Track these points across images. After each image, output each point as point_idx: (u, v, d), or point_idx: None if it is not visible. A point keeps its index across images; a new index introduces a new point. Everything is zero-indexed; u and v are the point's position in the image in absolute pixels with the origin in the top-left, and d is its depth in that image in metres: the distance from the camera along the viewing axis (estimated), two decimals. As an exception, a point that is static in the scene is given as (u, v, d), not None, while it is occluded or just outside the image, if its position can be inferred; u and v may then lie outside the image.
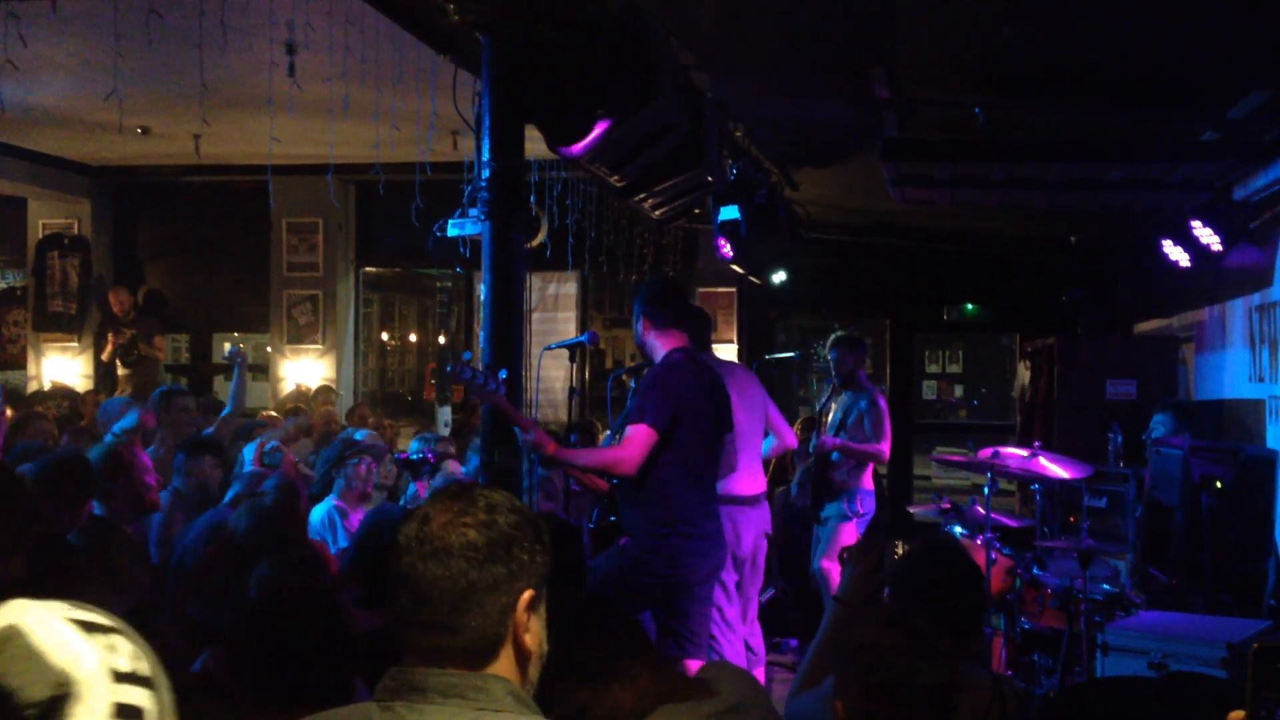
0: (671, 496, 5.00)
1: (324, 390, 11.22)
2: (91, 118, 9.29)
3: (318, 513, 6.01)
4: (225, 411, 7.85)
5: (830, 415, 8.35)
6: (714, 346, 11.66)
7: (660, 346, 5.22)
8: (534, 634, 1.90)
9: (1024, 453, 6.48)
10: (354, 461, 6.17)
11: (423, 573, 1.83)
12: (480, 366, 4.75)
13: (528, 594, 1.88)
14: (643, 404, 4.95)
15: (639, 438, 4.88)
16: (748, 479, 6.60)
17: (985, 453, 6.55)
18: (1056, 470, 6.41)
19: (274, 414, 9.39)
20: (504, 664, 1.87)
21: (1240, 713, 1.44)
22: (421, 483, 6.92)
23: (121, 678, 1.33)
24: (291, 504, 4.99)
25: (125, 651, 1.36)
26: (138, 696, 1.34)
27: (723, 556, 5.40)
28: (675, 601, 5.04)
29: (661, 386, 5.00)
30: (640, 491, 4.98)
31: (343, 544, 5.62)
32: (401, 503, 6.52)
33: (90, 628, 1.35)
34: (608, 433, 6.89)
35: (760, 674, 6.40)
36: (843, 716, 2.69)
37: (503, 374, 4.70)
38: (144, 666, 1.37)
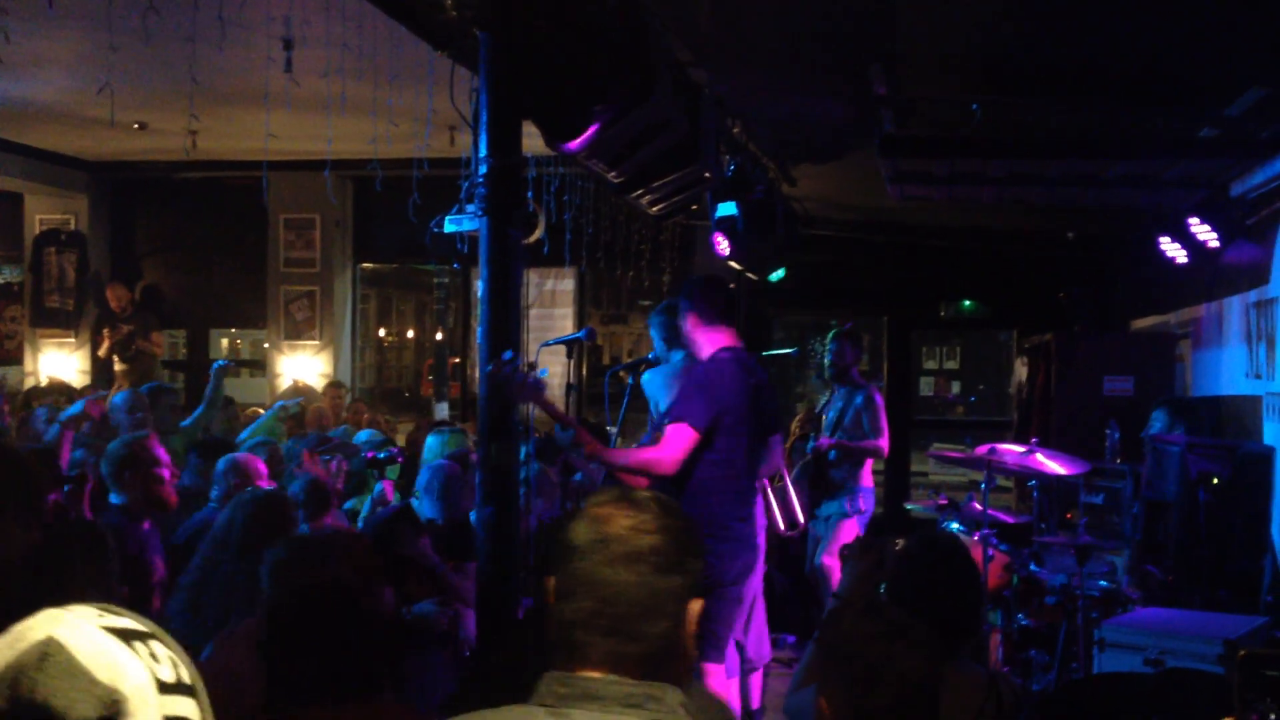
0: (707, 497, 4.95)
1: (334, 386, 11.21)
2: (88, 113, 9.28)
3: None
4: (196, 413, 7.86)
5: (826, 415, 8.35)
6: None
7: (706, 344, 5.18)
8: (692, 640, 1.88)
9: (1021, 449, 6.48)
10: (324, 459, 6.18)
11: (609, 577, 1.79)
12: (522, 365, 4.74)
13: (697, 604, 1.87)
14: (684, 403, 4.91)
15: (679, 438, 4.84)
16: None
17: (982, 449, 6.55)
18: (1053, 466, 6.41)
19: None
20: (672, 673, 1.84)
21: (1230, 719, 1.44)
22: (388, 481, 6.91)
23: (167, 688, 1.28)
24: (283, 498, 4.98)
25: (165, 659, 1.30)
26: (185, 707, 1.29)
27: (752, 559, 5.36)
28: (711, 605, 4.99)
29: (705, 386, 4.95)
30: (676, 491, 4.92)
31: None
32: (369, 501, 6.50)
33: (128, 636, 1.29)
34: (612, 429, 6.89)
35: (756, 680, 6.38)
36: (826, 712, 2.69)
37: (543, 372, 4.71)
38: (184, 673, 1.32)
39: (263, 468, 5.62)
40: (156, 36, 6.13)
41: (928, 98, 6.56)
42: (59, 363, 12.33)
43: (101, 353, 12.17)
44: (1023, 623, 6.46)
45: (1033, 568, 6.58)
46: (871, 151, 6.99)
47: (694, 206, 7.72)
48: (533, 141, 5.04)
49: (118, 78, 6.68)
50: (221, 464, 5.49)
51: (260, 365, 12.87)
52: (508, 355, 4.61)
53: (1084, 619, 5.93)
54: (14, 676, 1.21)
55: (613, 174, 5.87)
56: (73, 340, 12.47)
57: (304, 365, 12.19)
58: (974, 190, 7.73)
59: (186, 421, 7.79)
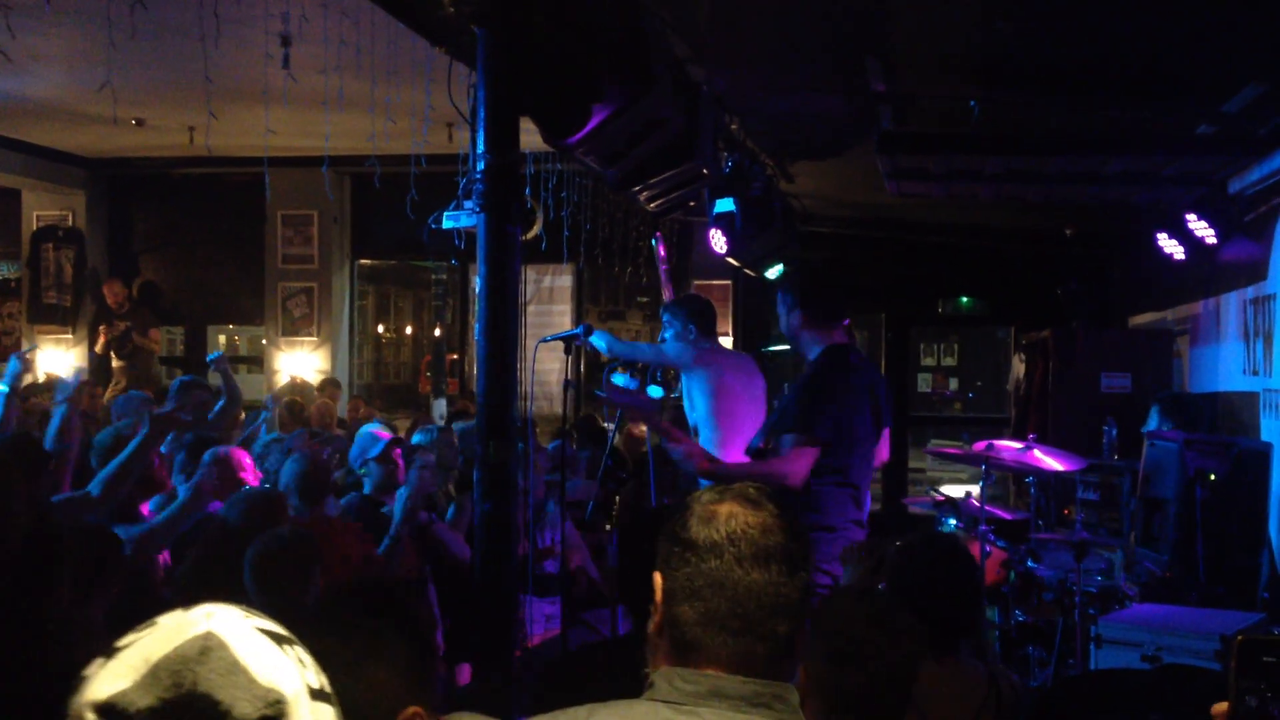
0: (825, 502, 4.84)
1: (330, 383, 11.21)
2: (86, 109, 9.27)
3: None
4: (220, 404, 7.83)
5: None
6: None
7: (817, 343, 5.01)
8: (806, 635, 1.88)
9: (1019, 445, 6.49)
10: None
11: (740, 578, 1.77)
12: (629, 385, 4.71)
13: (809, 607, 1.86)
14: (808, 414, 4.75)
15: (805, 452, 4.70)
16: None
17: (980, 445, 6.56)
18: (1051, 463, 6.42)
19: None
20: (790, 672, 1.83)
21: (1223, 705, 1.44)
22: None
23: (316, 695, 1.27)
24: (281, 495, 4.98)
25: (310, 665, 1.29)
26: (328, 715, 1.28)
27: None
28: None
29: (827, 392, 4.80)
30: (792, 496, 4.77)
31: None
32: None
33: (279, 639, 1.27)
34: (609, 424, 6.89)
35: None
36: (803, 682, 2.71)
37: (657, 391, 4.66)
38: (325, 680, 1.30)
39: (248, 461, 5.62)
40: (154, 33, 6.14)
41: (925, 94, 6.57)
42: (56, 359, 12.32)
43: (98, 349, 12.16)
44: (1020, 619, 6.46)
45: (1030, 564, 6.59)
46: (869, 148, 7.00)
47: (692, 203, 7.72)
48: (531, 138, 5.04)
49: (115, 74, 6.67)
50: (206, 456, 5.47)
51: (258, 362, 12.87)
52: (616, 379, 4.59)
53: (1081, 615, 5.93)
54: (176, 668, 1.19)
55: (611, 170, 5.87)
56: (70, 336, 12.46)
57: (302, 362, 12.19)
58: (972, 187, 7.73)
59: (221, 403, 7.75)
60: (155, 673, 1.19)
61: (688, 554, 1.81)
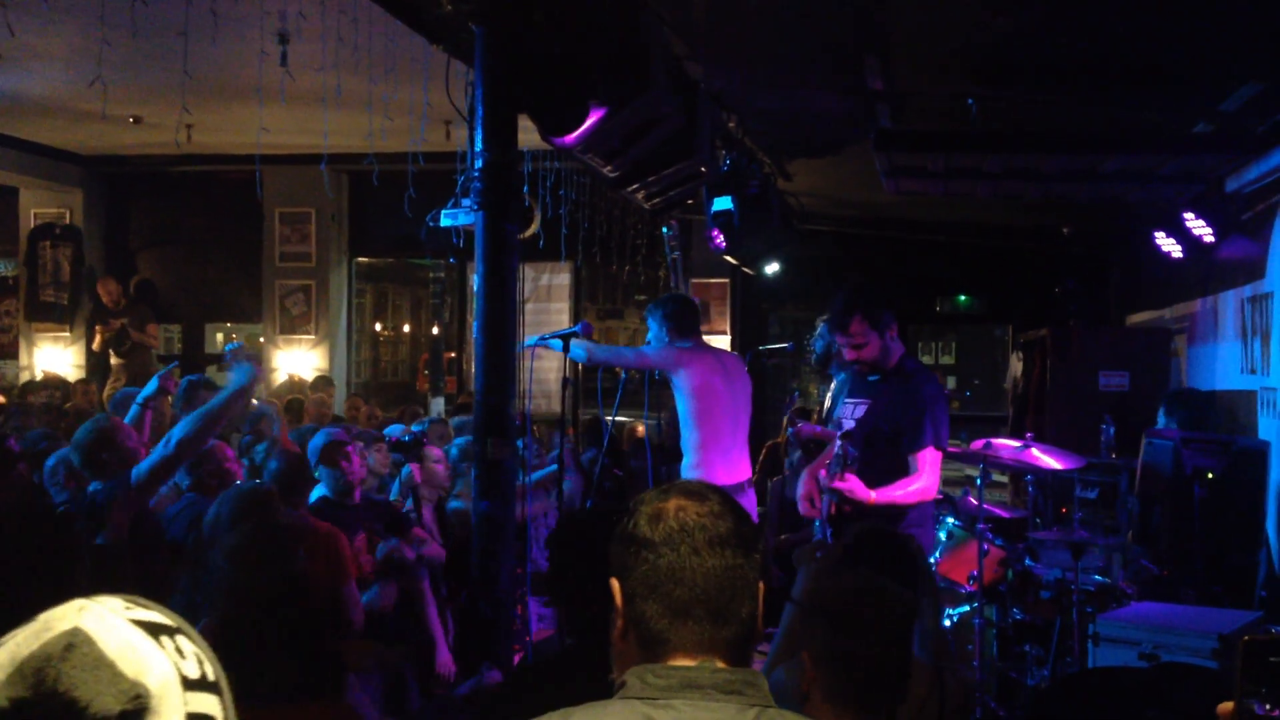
0: (920, 510, 4.98)
1: (322, 381, 11.20)
2: (83, 107, 9.26)
3: None
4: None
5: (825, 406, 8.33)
6: (709, 338, 11.76)
7: (897, 350, 5.10)
8: (761, 621, 1.90)
9: (1016, 444, 6.48)
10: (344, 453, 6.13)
11: (697, 565, 1.80)
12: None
13: (762, 587, 1.88)
14: (936, 426, 4.89)
15: (937, 464, 4.90)
16: (738, 466, 6.61)
17: (978, 444, 6.54)
18: (1049, 461, 6.41)
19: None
20: (750, 657, 1.86)
21: (1229, 705, 1.44)
22: (416, 464, 6.87)
23: (191, 685, 1.25)
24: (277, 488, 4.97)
25: (191, 655, 1.28)
26: (209, 704, 1.27)
27: None
28: None
29: (941, 405, 4.96)
30: (905, 507, 4.93)
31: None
32: (396, 484, 6.46)
33: (155, 629, 1.26)
34: (607, 420, 6.89)
35: None
36: (810, 668, 2.73)
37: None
38: (209, 670, 1.29)
39: (229, 451, 5.61)
40: (151, 30, 6.12)
41: (923, 93, 6.57)
42: (54, 357, 12.31)
43: (95, 347, 12.15)
44: (1018, 617, 6.46)
45: (1028, 563, 6.58)
46: (867, 147, 6.99)
47: (690, 201, 7.72)
48: (529, 136, 5.04)
49: (112, 72, 6.67)
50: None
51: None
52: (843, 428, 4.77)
53: (1079, 614, 5.93)
54: (39, 666, 1.19)
55: (608, 168, 5.88)
56: (68, 334, 12.45)
57: (299, 360, 12.19)
58: (969, 185, 7.73)
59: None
60: (20, 671, 1.19)
61: (644, 552, 1.83)
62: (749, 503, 6.71)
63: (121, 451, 4.84)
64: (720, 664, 1.79)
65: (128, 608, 1.27)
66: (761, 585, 1.88)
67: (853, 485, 4.85)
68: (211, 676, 1.29)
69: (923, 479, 4.92)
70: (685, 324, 6.64)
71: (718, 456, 6.50)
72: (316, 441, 5.77)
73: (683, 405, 6.58)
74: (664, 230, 7.05)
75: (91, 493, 4.75)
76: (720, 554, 1.81)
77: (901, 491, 4.97)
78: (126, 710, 1.19)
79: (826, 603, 2.82)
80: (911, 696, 3.08)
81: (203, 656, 1.29)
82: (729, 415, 6.54)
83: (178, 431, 4.76)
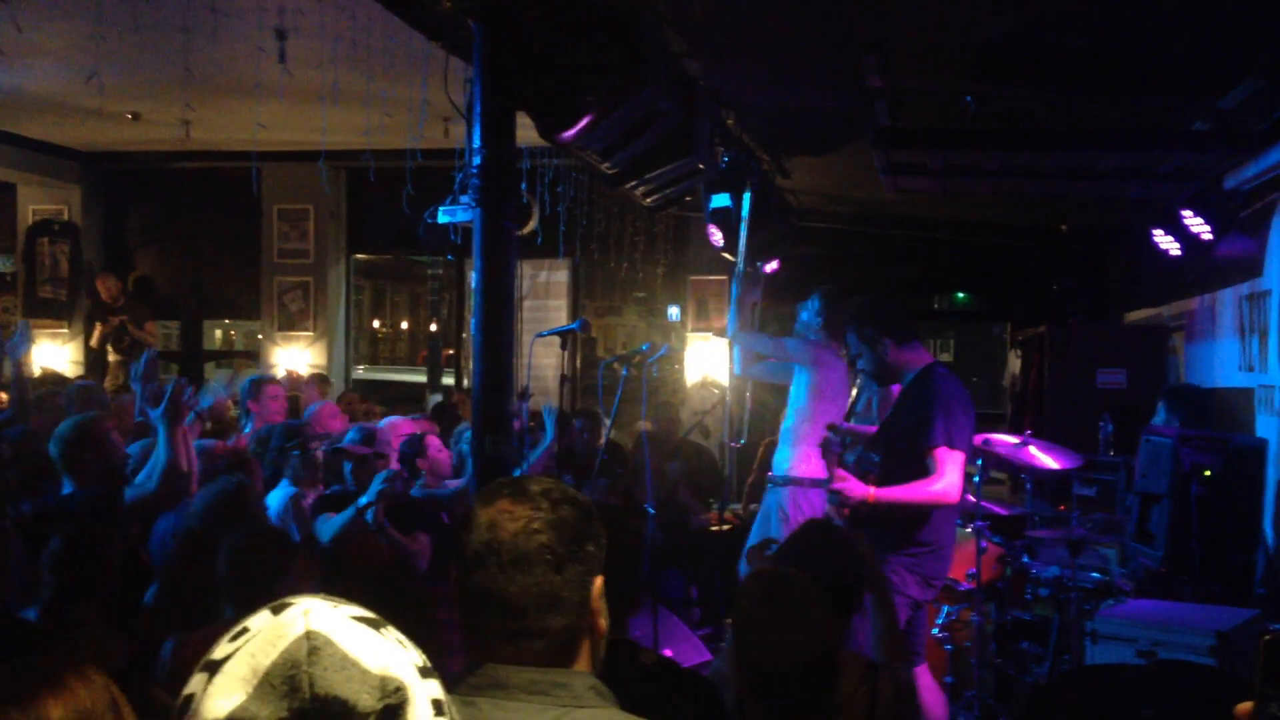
0: (939, 516, 4.86)
1: (318, 378, 11.19)
2: (81, 103, 9.25)
3: (275, 499, 5.91)
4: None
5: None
6: (704, 335, 11.77)
7: (914, 363, 5.03)
8: (604, 616, 1.91)
9: (1014, 441, 6.48)
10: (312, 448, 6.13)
11: (504, 585, 1.82)
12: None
13: (599, 582, 1.89)
14: (947, 425, 4.74)
15: (957, 463, 4.71)
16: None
17: (976, 440, 6.55)
18: (1046, 459, 6.42)
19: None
20: (584, 655, 1.88)
21: (1248, 705, 1.43)
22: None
23: (425, 672, 1.25)
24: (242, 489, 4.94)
25: (410, 644, 1.27)
26: (440, 690, 1.27)
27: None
28: (915, 617, 4.95)
29: (956, 404, 4.82)
30: (906, 511, 4.83)
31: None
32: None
33: (373, 623, 1.25)
34: (605, 419, 6.88)
35: None
36: (736, 678, 2.79)
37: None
38: (425, 657, 1.29)
39: (219, 447, 5.62)
40: (149, 26, 6.12)
41: (921, 90, 6.56)
42: (52, 353, 12.30)
43: (94, 343, 12.15)
44: (1016, 615, 6.47)
45: (1025, 560, 6.59)
46: (865, 144, 6.99)
47: (688, 198, 7.72)
48: (527, 133, 5.03)
49: (110, 68, 6.67)
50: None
51: (254, 356, 12.86)
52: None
53: (1077, 611, 5.94)
54: (289, 673, 1.17)
55: (606, 165, 5.87)
56: (66, 331, 12.44)
57: (298, 356, 12.18)
58: (967, 183, 7.74)
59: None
60: (269, 681, 1.16)
61: (462, 565, 1.87)
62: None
63: (104, 456, 4.74)
64: (530, 669, 1.81)
65: (336, 605, 1.25)
66: (598, 582, 1.88)
67: (849, 485, 4.74)
68: (429, 663, 1.29)
69: (938, 480, 4.70)
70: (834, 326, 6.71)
71: (811, 451, 6.53)
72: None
73: (801, 398, 6.64)
74: (740, 268, 7.12)
75: (66, 495, 4.63)
76: (526, 572, 1.82)
77: (908, 492, 4.79)
78: (390, 704, 1.19)
79: (749, 618, 2.85)
80: (842, 696, 3.11)
81: (414, 645, 1.29)
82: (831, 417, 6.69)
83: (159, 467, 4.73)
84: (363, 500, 5.36)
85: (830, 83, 6.73)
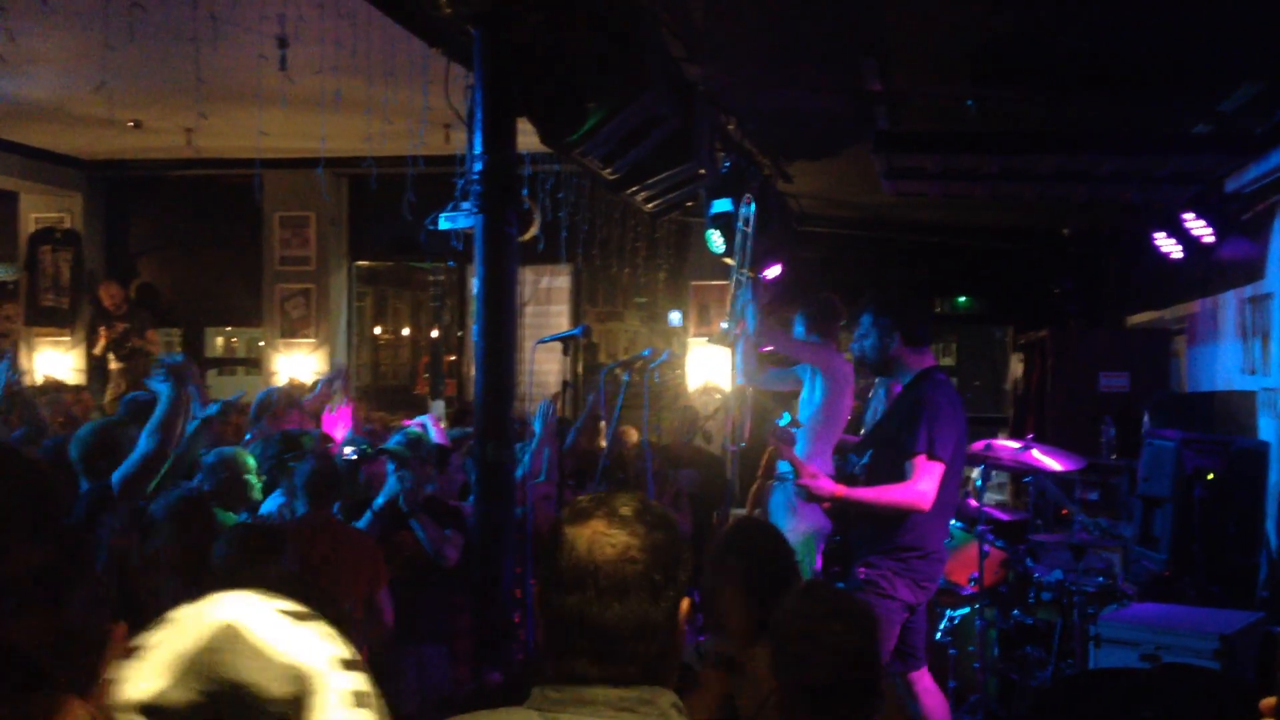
0: (928, 523, 4.85)
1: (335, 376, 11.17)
2: (83, 111, 9.26)
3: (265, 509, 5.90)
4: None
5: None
6: (706, 340, 11.76)
7: (914, 366, 5.03)
8: (684, 634, 1.89)
9: (1017, 445, 6.49)
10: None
11: (600, 611, 1.78)
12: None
13: (686, 604, 1.87)
14: (930, 434, 4.74)
15: (933, 473, 4.71)
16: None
17: (978, 445, 6.55)
18: (1049, 463, 6.42)
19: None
20: (667, 676, 1.86)
21: (1272, 700, 1.44)
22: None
23: (348, 664, 1.31)
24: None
25: (335, 638, 1.33)
26: (364, 682, 1.32)
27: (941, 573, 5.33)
28: (911, 620, 4.97)
29: (944, 413, 4.81)
30: (900, 514, 4.83)
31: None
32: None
33: (298, 616, 1.32)
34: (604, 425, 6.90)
35: None
36: (775, 687, 2.79)
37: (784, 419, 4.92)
38: (350, 650, 1.34)
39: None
40: (151, 35, 6.13)
41: (921, 93, 6.57)
42: (54, 361, 12.31)
43: (97, 351, 12.15)
44: (1019, 619, 6.46)
45: (1028, 564, 6.58)
46: (866, 148, 7.00)
47: (689, 203, 7.72)
48: (528, 139, 5.04)
49: (112, 76, 6.68)
50: (210, 458, 5.43)
51: (256, 363, 12.87)
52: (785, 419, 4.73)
53: (1080, 615, 5.93)
54: (206, 659, 1.24)
55: (608, 171, 5.87)
56: (68, 339, 12.45)
57: (300, 363, 12.18)
58: (968, 186, 7.74)
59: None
60: (188, 667, 1.23)
61: (554, 584, 1.83)
62: None
63: (121, 461, 4.81)
64: (616, 687, 1.79)
65: (264, 599, 1.32)
66: (685, 604, 1.86)
67: (819, 483, 4.77)
68: (357, 656, 1.34)
69: (911, 486, 4.72)
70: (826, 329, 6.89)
71: (825, 459, 6.55)
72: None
73: (816, 400, 6.71)
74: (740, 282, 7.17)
75: (82, 493, 4.71)
76: (623, 600, 1.79)
77: (878, 494, 4.83)
78: (295, 692, 1.25)
79: (786, 629, 2.85)
80: (762, 693, 3.13)
81: (339, 639, 1.34)
82: (841, 424, 6.80)
83: (142, 446, 4.73)
84: (379, 501, 5.39)
85: (830, 86, 6.74)
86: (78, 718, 1.98)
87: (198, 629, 1.26)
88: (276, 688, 1.24)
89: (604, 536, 1.82)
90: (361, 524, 5.35)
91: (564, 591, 1.81)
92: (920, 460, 4.71)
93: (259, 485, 5.48)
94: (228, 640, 1.25)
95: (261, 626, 1.28)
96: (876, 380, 7.08)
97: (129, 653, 1.28)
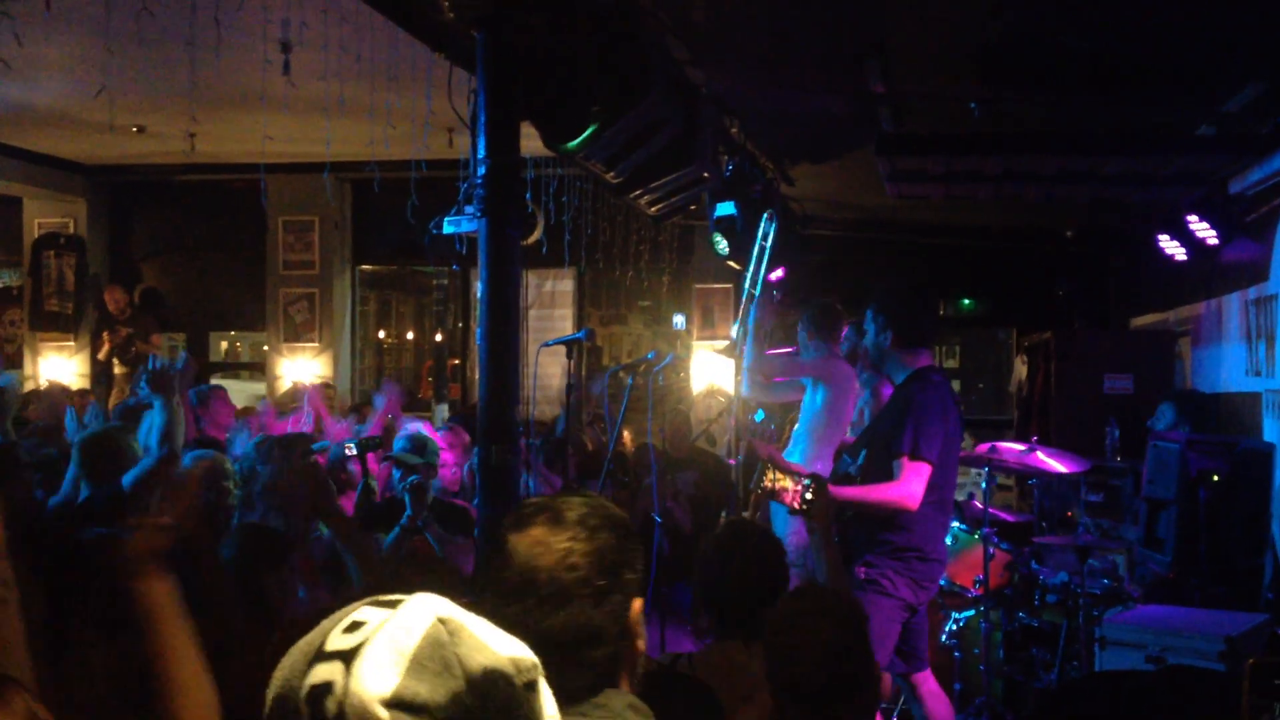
0: (924, 525, 4.86)
1: (324, 386, 11.19)
2: (86, 117, 9.27)
3: None
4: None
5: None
6: (710, 343, 11.77)
7: (907, 365, 5.06)
8: (642, 635, 1.86)
9: (1021, 447, 6.48)
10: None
11: (541, 619, 1.75)
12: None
13: (637, 604, 1.84)
14: (915, 434, 4.76)
15: (920, 473, 4.73)
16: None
17: (983, 447, 6.55)
18: (1054, 465, 6.41)
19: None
20: (623, 676, 1.84)
21: None
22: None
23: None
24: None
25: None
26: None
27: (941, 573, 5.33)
28: (913, 621, 4.97)
29: (930, 414, 4.82)
30: (891, 515, 4.84)
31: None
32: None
33: (477, 613, 1.31)
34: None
35: None
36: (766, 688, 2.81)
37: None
38: None
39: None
40: (154, 40, 6.13)
41: (924, 95, 6.56)
42: (58, 366, 12.32)
43: (101, 356, 12.16)
44: (1024, 621, 6.45)
45: (1034, 566, 6.57)
46: (869, 151, 6.99)
47: (693, 207, 7.73)
48: (531, 143, 5.04)
49: (116, 81, 6.69)
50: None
51: (260, 368, 12.88)
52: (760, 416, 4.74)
53: (1085, 617, 5.92)
54: (438, 653, 1.21)
55: (611, 174, 5.88)
56: (72, 343, 12.46)
57: (304, 368, 12.19)
58: (971, 188, 7.73)
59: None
60: (419, 662, 1.20)
61: (497, 592, 1.79)
62: None
63: (122, 465, 4.86)
64: (569, 704, 1.74)
65: (445, 599, 1.30)
66: (638, 604, 1.83)
67: (800, 469, 4.77)
68: None
69: (897, 486, 4.74)
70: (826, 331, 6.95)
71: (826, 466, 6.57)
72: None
73: (816, 406, 6.75)
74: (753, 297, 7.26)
75: (85, 498, 4.76)
76: (566, 607, 1.76)
77: (864, 492, 4.85)
78: (529, 680, 1.25)
79: (773, 626, 2.88)
80: (739, 686, 3.14)
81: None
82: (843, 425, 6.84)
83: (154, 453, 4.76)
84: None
85: (832, 89, 6.74)
86: (13, 708, 1.94)
87: (412, 624, 1.23)
88: (518, 677, 1.23)
89: (542, 545, 1.78)
90: (390, 539, 5.36)
91: (506, 601, 1.77)
92: (905, 461, 4.75)
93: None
94: (451, 634, 1.23)
95: (469, 621, 1.26)
96: (862, 381, 7.10)
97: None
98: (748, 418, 5.12)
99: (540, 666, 1.26)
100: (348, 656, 1.21)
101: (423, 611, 1.25)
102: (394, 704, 1.17)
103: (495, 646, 1.25)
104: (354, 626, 1.24)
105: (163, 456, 4.76)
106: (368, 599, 1.29)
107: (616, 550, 1.82)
